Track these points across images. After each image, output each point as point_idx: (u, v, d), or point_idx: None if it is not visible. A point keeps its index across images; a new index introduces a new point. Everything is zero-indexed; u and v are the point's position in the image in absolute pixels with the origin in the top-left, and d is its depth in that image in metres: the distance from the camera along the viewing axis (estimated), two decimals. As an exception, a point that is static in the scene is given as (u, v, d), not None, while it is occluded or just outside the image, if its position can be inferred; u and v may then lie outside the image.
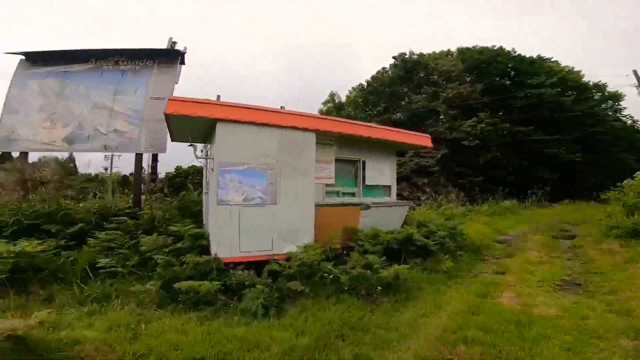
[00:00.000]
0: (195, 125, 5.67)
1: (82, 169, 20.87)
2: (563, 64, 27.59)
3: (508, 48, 28.39)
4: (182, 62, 8.87)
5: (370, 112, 31.93)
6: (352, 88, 37.27)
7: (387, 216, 7.57)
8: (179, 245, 5.58)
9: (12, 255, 4.70)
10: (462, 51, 29.71)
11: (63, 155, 19.56)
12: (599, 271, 6.10)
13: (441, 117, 26.32)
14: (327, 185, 6.98)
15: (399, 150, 9.45)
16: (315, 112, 43.39)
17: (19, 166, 7.97)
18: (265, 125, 5.63)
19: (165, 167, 18.17)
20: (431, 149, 10.75)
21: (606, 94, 26.86)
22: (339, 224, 6.54)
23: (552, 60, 28.35)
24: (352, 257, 5.33)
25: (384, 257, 5.51)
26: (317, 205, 6.20)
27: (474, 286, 5.39)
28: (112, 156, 18.14)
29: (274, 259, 5.21)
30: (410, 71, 30.35)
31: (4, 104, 8.38)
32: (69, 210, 6.94)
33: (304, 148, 5.99)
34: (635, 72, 13.10)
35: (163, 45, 8.84)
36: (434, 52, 31.21)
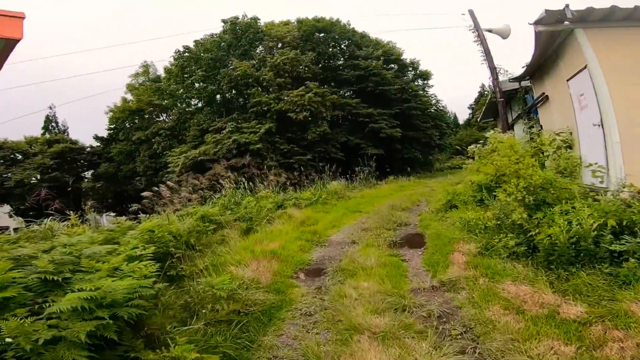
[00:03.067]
0: None
1: None
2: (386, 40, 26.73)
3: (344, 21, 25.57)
4: None
5: (186, 82, 24.10)
6: (172, 57, 27.91)
7: None
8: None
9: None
10: (300, 21, 25.18)
11: None
12: None
13: (269, 87, 21.36)
14: None
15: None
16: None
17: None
18: None
19: None
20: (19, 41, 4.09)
21: (418, 71, 27.41)
22: None
23: (377, 38, 27.29)
24: None
25: None
26: None
27: None
28: None
29: None
30: (240, 37, 23.98)
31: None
32: None
33: None
34: (471, 12, 10.54)
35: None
36: (272, 22, 25.65)
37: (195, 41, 23.94)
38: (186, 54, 24.02)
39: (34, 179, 26.63)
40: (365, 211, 9.73)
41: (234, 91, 21.90)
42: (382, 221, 7.95)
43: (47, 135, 35.52)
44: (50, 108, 41.02)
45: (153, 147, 24.99)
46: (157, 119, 28.59)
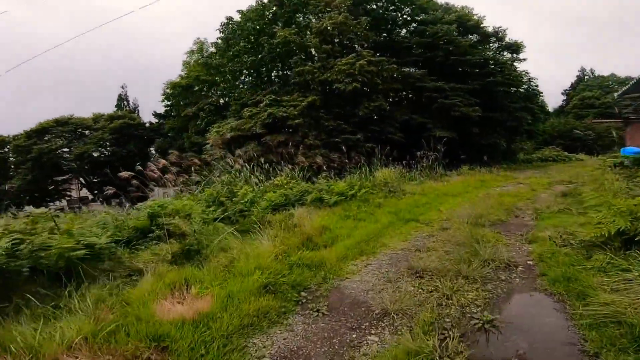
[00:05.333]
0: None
1: None
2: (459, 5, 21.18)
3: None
4: None
5: (228, 54, 21.39)
6: (218, 30, 25.56)
7: None
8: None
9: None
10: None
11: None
12: None
13: (314, 55, 17.82)
14: None
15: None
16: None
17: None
18: None
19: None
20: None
21: (505, 42, 21.27)
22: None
23: (448, 2, 21.80)
24: None
25: None
26: None
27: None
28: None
29: None
30: (283, 3, 20.63)
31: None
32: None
33: None
34: None
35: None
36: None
37: (239, 11, 21.14)
38: (230, 25, 21.43)
39: (95, 153, 27.06)
40: (425, 221, 5.84)
41: (277, 62, 18.82)
42: (456, 251, 4.08)
43: (119, 112, 36.55)
44: (123, 87, 42.78)
45: (197, 122, 23.39)
46: (208, 95, 27.04)
